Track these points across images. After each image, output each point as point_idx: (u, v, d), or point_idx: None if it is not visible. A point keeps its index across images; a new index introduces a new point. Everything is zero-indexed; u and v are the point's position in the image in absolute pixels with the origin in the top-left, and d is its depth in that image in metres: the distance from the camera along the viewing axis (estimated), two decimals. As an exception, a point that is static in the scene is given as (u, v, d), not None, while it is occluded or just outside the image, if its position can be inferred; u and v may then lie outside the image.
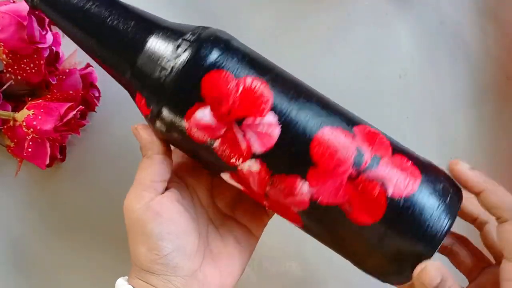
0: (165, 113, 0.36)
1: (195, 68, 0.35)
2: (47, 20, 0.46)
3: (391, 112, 0.53)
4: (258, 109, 0.35)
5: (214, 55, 0.36)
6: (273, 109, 0.35)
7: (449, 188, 0.36)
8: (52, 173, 0.51)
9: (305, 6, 0.53)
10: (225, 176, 0.37)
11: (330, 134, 0.35)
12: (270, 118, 0.35)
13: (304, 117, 0.35)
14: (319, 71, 0.53)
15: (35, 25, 0.44)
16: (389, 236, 0.34)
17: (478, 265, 0.40)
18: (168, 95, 0.35)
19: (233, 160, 0.36)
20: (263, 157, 0.35)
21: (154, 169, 0.38)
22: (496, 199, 0.35)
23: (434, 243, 0.34)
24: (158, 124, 0.37)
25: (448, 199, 0.35)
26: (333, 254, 0.42)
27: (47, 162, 0.47)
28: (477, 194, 0.36)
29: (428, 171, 0.36)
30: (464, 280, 0.40)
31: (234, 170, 0.36)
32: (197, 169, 0.41)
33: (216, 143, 0.36)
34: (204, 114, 0.35)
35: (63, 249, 0.51)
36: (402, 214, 0.34)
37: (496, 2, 0.54)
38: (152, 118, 0.37)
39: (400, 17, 0.53)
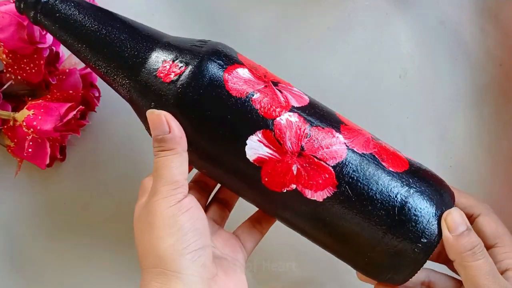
0: (205, 67, 0.37)
1: (225, 49, 0.40)
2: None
3: (391, 112, 0.53)
4: (286, 83, 0.40)
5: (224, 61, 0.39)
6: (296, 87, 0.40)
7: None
8: (52, 173, 0.51)
9: (305, 6, 0.53)
10: (252, 141, 0.36)
11: (345, 118, 0.41)
12: (298, 89, 0.40)
13: (321, 104, 0.41)
14: (319, 71, 0.53)
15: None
16: (418, 182, 0.38)
17: (459, 284, 0.43)
18: (208, 52, 0.38)
19: (272, 111, 0.37)
20: (301, 111, 0.38)
21: (184, 167, 0.36)
22: (466, 200, 0.41)
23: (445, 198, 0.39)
24: (201, 71, 0.36)
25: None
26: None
27: (47, 162, 0.47)
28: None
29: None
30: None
31: (269, 125, 0.36)
32: None
33: (256, 95, 0.37)
34: (244, 72, 0.38)
35: (63, 249, 0.51)
36: (420, 169, 0.39)
37: (496, 2, 0.54)
38: (187, 76, 0.36)
39: (400, 17, 0.53)
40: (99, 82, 0.51)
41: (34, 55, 0.45)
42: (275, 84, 0.39)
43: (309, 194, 0.37)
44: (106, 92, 0.51)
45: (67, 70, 0.48)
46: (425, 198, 0.37)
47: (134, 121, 0.51)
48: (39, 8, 0.39)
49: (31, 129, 0.44)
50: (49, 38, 0.46)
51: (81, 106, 0.46)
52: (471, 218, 0.41)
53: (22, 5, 0.39)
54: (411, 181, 0.38)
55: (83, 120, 0.49)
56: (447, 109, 0.53)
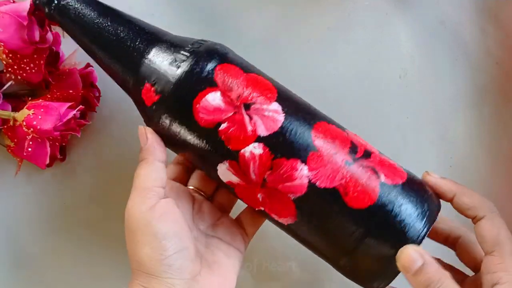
0: (175, 98, 0.38)
1: (210, 60, 0.38)
2: (47, 20, 0.46)
3: (391, 112, 0.53)
4: (265, 98, 0.38)
5: (216, 60, 0.39)
6: (277, 100, 0.38)
7: (430, 193, 0.39)
8: (52, 173, 0.51)
9: (305, 6, 0.53)
10: (222, 168, 0.39)
11: (327, 126, 0.39)
12: (275, 106, 0.38)
13: (304, 112, 0.39)
14: (319, 71, 0.53)
15: (35, 25, 0.44)
16: (383, 218, 0.37)
17: (455, 278, 0.41)
18: (181, 79, 0.38)
19: (237, 143, 0.37)
20: (267, 140, 0.37)
21: (155, 174, 0.38)
22: (469, 200, 0.38)
23: (416, 233, 0.37)
24: (165, 109, 0.38)
25: (429, 196, 0.39)
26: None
27: (47, 162, 0.47)
28: (450, 199, 0.39)
29: (410, 175, 0.39)
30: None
31: (234, 157, 0.38)
32: (180, 195, 0.42)
33: (223, 126, 0.37)
34: (214, 97, 0.37)
35: (63, 249, 0.51)
36: (392, 200, 0.37)
37: (496, 2, 0.54)
38: (160, 104, 0.38)
39: (400, 17, 0.53)
40: (99, 82, 0.51)
41: (34, 55, 0.45)
42: (247, 107, 0.37)
43: (275, 217, 0.39)
44: (106, 92, 0.51)
45: (67, 70, 0.48)
46: (380, 240, 0.37)
47: (134, 121, 0.51)
48: (53, 5, 0.42)
49: (31, 129, 0.44)
50: (49, 38, 0.46)
51: (81, 106, 0.46)
52: (474, 220, 0.38)
53: (37, 1, 0.43)
54: (370, 220, 0.37)
55: (83, 120, 0.49)
56: (447, 109, 0.53)
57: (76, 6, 0.41)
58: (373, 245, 0.37)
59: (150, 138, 0.39)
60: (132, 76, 0.40)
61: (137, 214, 0.37)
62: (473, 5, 0.54)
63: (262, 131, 0.37)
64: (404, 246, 0.36)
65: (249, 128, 0.37)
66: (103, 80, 0.51)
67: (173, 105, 0.38)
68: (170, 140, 0.40)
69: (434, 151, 0.53)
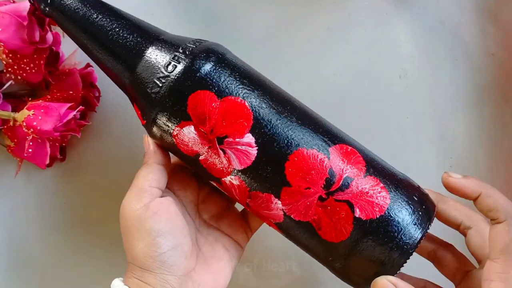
0: (155, 128, 0.39)
1: (183, 86, 0.37)
2: (47, 20, 0.46)
3: (391, 112, 0.53)
4: (237, 130, 0.37)
5: (205, 69, 0.37)
6: (252, 130, 0.37)
7: (421, 204, 0.37)
8: (52, 173, 0.51)
9: (305, 6, 0.53)
10: (213, 183, 0.41)
11: (304, 156, 0.37)
12: (248, 138, 0.37)
13: (282, 137, 0.37)
14: (319, 71, 0.52)
15: (35, 25, 0.44)
16: (354, 254, 0.36)
17: (462, 269, 0.41)
18: (158, 111, 0.38)
19: (217, 173, 0.39)
20: (242, 174, 0.38)
21: (152, 176, 0.40)
22: (493, 202, 0.36)
23: (396, 266, 0.36)
24: (153, 133, 0.40)
25: (419, 215, 0.37)
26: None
27: (47, 162, 0.47)
28: (474, 199, 0.37)
29: (399, 189, 0.37)
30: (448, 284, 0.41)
31: (219, 181, 0.39)
32: (185, 183, 0.43)
33: (202, 156, 0.38)
34: (189, 131, 0.38)
35: (63, 249, 0.51)
36: (368, 234, 0.36)
37: (496, 2, 0.54)
38: (148, 128, 0.40)
39: (400, 17, 0.53)
40: (99, 82, 0.51)
41: (34, 55, 0.45)
42: (221, 141, 0.37)
43: (266, 223, 0.41)
44: (106, 92, 0.51)
45: (67, 70, 0.48)
46: (352, 275, 0.38)
47: (134, 121, 0.51)
48: (48, 1, 0.41)
49: (31, 129, 0.44)
50: (49, 38, 0.46)
51: (81, 107, 0.46)
52: (493, 221, 0.36)
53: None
54: (344, 254, 0.37)
55: (83, 120, 0.49)
56: (447, 109, 0.53)
57: (71, 2, 0.41)
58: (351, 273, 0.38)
59: (151, 144, 0.41)
60: (126, 79, 0.40)
61: (131, 212, 0.38)
62: (473, 5, 0.54)
63: (236, 165, 0.37)
64: (377, 278, 0.36)
65: (224, 162, 0.38)
66: (103, 80, 0.51)
67: (158, 133, 0.39)
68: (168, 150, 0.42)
69: (434, 151, 0.53)
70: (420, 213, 0.37)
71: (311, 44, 0.53)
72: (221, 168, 0.38)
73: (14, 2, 0.46)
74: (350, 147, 0.38)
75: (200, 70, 0.37)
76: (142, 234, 0.37)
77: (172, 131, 0.38)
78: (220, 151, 0.37)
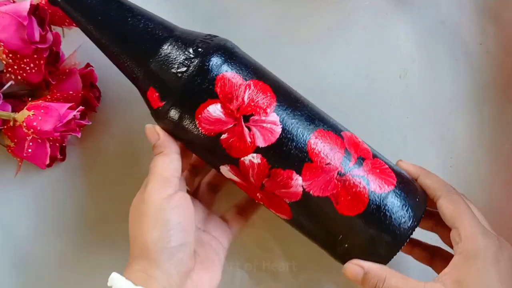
0: (179, 106, 0.39)
1: (212, 66, 0.39)
2: (47, 20, 0.46)
3: (391, 112, 0.53)
4: (263, 109, 0.39)
5: (233, 52, 0.41)
6: (276, 110, 0.39)
7: (418, 193, 0.42)
8: (52, 173, 0.51)
9: (305, 6, 0.53)
10: (224, 169, 0.41)
11: (324, 134, 0.40)
12: (274, 117, 0.39)
13: (302, 120, 0.40)
14: (319, 71, 0.52)
15: (35, 25, 0.44)
16: (368, 225, 0.40)
17: (439, 258, 0.46)
18: (183, 90, 0.39)
19: (237, 152, 0.39)
20: (265, 152, 0.39)
21: (174, 165, 0.40)
22: (430, 181, 0.43)
23: (402, 237, 0.40)
24: (171, 115, 0.40)
25: (418, 191, 0.42)
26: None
27: (47, 162, 0.47)
28: (415, 179, 0.44)
29: (401, 177, 0.42)
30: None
31: (235, 163, 0.40)
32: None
33: (224, 136, 0.39)
34: (215, 109, 0.39)
35: (63, 249, 0.51)
36: (380, 208, 0.40)
37: (496, 2, 0.54)
38: (165, 110, 0.40)
39: (400, 17, 0.53)
40: (100, 82, 0.51)
41: (34, 55, 0.45)
42: (247, 119, 0.39)
43: (273, 211, 0.42)
44: (106, 92, 0.51)
45: (67, 70, 0.48)
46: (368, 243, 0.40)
47: (134, 121, 0.51)
48: None
49: (31, 130, 0.44)
50: (49, 38, 0.46)
51: (81, 107, 0.46)
52: (434, 200, 0.42)
53: None
54: (359, 227, 0.40)
55: (83, 120, 0.49)
56: (447, 109, 0.53)
57: None
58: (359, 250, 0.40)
59: (162, 134, 0.41)
60: (139, 73, 0.41)
61: (155, 200, 0.38)
62: (473, 5, 0.54)
63: (261, 143, 0.39)
64: (346, 264, 0.40)
65: (248, 139, 0.39)
66: (103, 80, 0.51)
67: (177, 114, 0.40)
68: (176, 138, 0.42)
69: (434, 151, 0.53)
70: (419, 189, 0.43)
71: (311, 44, 0.53)
72: (244, 146, 0.39)
73: (14, 2, 0.46)
74: (353, 135, 0.42)
75: (230, 52, 0.40)
76: (160, 223, 0.38)
77: (196, 109, 0.39)
78: (245, 129, 0.39)
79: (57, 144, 0.48)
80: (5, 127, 0.46)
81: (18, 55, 0.45)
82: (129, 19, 0.41)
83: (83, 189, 0.51)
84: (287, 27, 0.53)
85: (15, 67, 0.45)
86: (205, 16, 0.52)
